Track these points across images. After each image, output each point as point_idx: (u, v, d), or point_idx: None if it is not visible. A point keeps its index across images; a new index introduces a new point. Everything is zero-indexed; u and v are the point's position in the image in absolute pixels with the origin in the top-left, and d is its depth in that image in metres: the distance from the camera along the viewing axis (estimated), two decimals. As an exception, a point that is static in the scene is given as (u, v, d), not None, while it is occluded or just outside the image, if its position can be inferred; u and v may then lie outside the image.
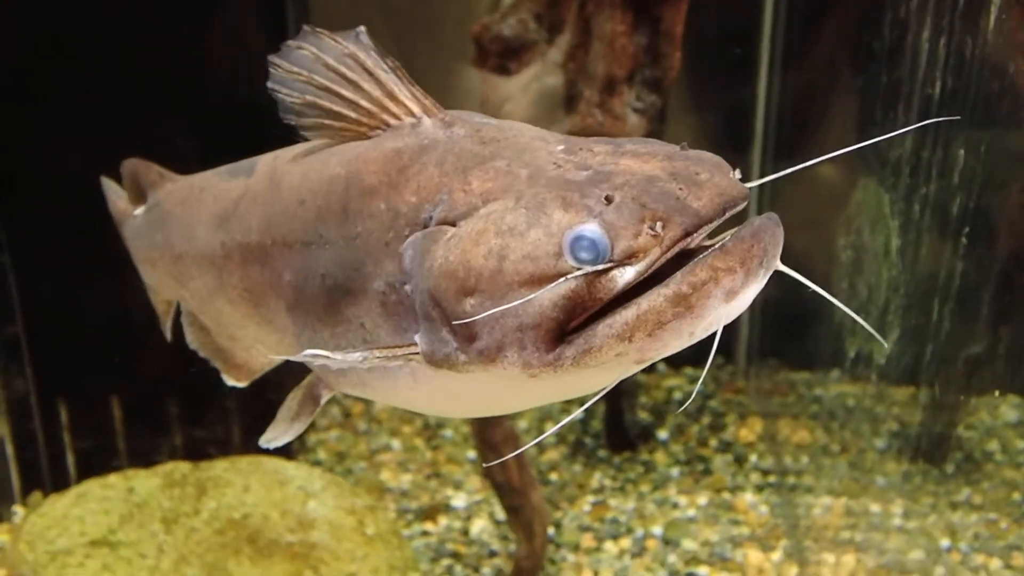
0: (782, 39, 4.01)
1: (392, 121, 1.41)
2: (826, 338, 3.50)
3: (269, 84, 1.45)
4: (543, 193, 1.20)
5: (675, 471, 3.95)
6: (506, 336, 1.19)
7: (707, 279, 1.13)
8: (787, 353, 4.25)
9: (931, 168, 2.43)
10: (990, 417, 3.47)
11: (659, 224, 1.14)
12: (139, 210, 2.16)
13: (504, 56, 3.17)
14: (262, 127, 1.52)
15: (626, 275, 1.15)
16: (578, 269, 1.15)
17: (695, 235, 1.15)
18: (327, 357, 1.33)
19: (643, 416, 4.24)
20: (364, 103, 1.41)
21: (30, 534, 3.07)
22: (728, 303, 1.15)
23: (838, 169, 3.84)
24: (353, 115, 1.42)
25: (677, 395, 4.40)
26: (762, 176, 4.24)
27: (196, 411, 3.77)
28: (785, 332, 4.27)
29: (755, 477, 3.92)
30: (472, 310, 1.20)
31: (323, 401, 1.66)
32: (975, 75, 2.25)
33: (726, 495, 3.82)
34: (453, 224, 1.27)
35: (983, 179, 2.34)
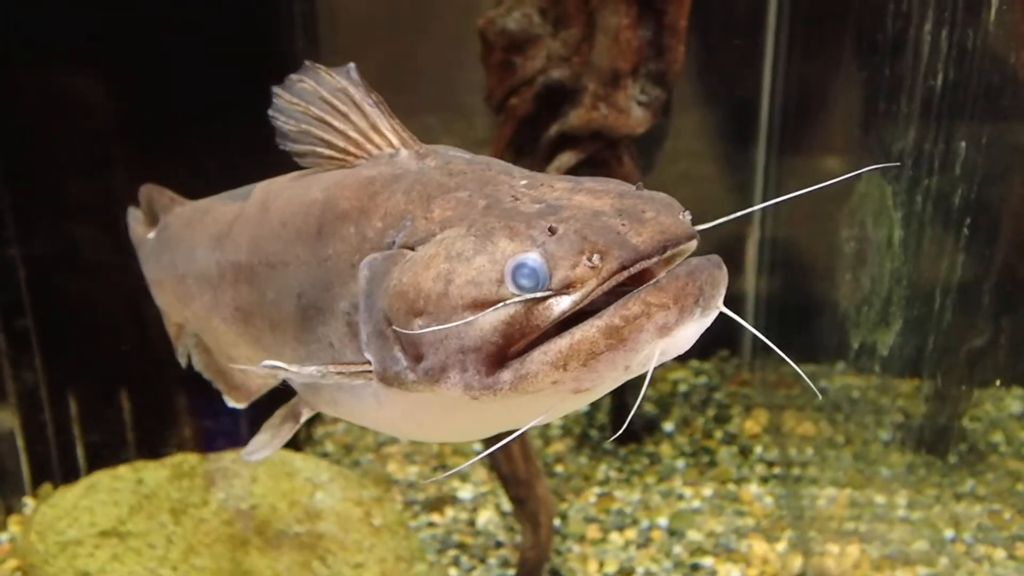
0: (787, 32, 4.02)
1: (374, 151, 1.50)
2: (831, 330, 3.51)
3: (270, 112, 1.55)
4: (493, 222, 1.26)
5: (680, 463, 3.97)
6: (449, 357, 1.24)
7: (639, 313, 1.17)
8: (792, 345, 4.25)
9: (933, 160, 2.44)
10: (994, 409, 3.49)
11: (596, 256, 1.18)
12: (151, 233, 2.26)
13: (509, 50, 3.18)
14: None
15: (562, 304, 1.19)
16: (517, 296, 1.19)
17: (631, 269, 1.19)
18: (285, 369, 1.40)
19: (648, 408, 4.25)
20: (351, 133, 1.50)
21: (41, 525, 3.10)
22: (663, 338, 1.18)
23: (841, 162, 3.85)
24: (341, 144, 1.51)
25: (683, 388, 4.42)
26: (765, 173, 4.19)
27: (204, 403, 3.80)
28: (790, 325, 4.28)
29: (760, 469, 3.94)
30: (419, 331, 1.25)
31: (302, 419, 1.75)
32: (977, 67, 2.26)
33: (731, 486, 3.84)
34: (413, 248, 1.33)
35: (985, 171, 2.35)
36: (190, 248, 1.95)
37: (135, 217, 2.39)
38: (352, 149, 1.51)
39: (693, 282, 1.19)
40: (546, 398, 1.26)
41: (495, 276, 1.21)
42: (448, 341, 1.24)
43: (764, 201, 4.35)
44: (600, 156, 3.28)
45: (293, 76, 1.52)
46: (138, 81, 3.38)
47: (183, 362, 2.32)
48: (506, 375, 1.22)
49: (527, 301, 1.19)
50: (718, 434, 4.14)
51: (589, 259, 1.18)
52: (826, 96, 3.80)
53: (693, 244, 1.26)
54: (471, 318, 1.21)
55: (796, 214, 4.11)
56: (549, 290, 1.19)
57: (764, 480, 3.87)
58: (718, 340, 4.64)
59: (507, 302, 1.20)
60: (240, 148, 2.31)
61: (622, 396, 4.04)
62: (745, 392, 4.39)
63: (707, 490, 3.81)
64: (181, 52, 3.41)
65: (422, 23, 4.10)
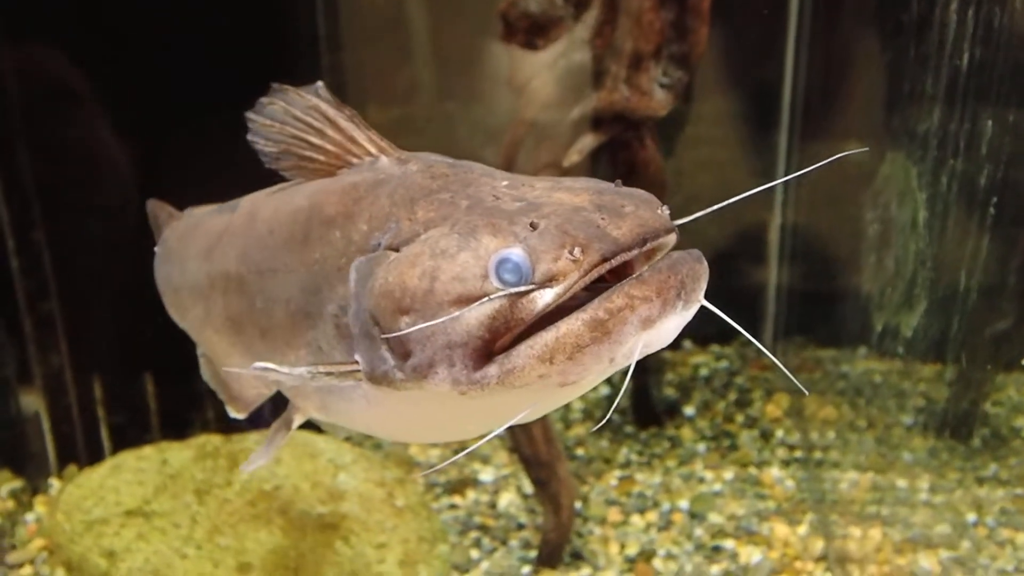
0: (809, 14, 3.99)
1: (354, 160, 1.53)
2: (853, 314, 3.51)
3: (249, 137, 1.60)
4: (476, 220, 1.28)
5: (701, 446, 3.97)
6: (436, 353, 1.27)
7: (623, 306, 1.20)
8: (814, 330, 4.25)
9: (959, 141, 2.43)
10: (1017, 393, 3.47)
11: (578, 250, 1.21)
12: (156, 248, 2.32)
13: (531, 32, 3.18)
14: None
15: (545, 297, 1.22)
16: (502, 290, 1.22)
17: (613, 261, 1.22)
18: (275, 371, 1.44)
19: (669, 392, 4.25)
20: (330, 147, 1.54)
21: (67, 504, 3.13)
22: (646, 331, 1.21)
23: (862, 146, 3.83)
24: (322, 159, 1.55)
25: (703, 372, 4.42)
26: (787, 158, 4.16)
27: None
28: (811, 309, 4.27)
29: (781, 452, 3.93)
30: (406, 328, 1.28)
31: (295, 425, 1.80)
32: (1004, 46, 2.25)
33: (752, 470, 3.84)
34: (398, 250, 1.35)
35: (1012, 151, 2.33)
36: (183, 261, 2.01)
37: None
38: (333, 161, 1.55)
39: (675, 275, 1.22)
40: (533, 392, 1.27)
41: (479, 271, 1.23)
42: (435, 337, 1.26)
43: (786, 185, 4.34)
44: (622, 138, 3.28)
45: (263, 99, 1.57)
46: (161, 66, 3.39)
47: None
48: (493, 369, 1.24)
49: (511, 295, 1.22)
50: (739, 418, 4.13)
51: (571, 252, 1.21)
52: (849, 79, 3.78)
53: (672, 238, 1.29)
54: (457, 313, 1.23)
55: (817, 199, 4.10)
56: (532, 284, 1.21)
57: (785, 464, 3.87)
58: (739, 324, 4.62)
59: (491, 296, 1.22)
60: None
61: (643, 380, 4.05)
62: (766, 376, 4.38)
63: (728, 473, 3.81)
64: (205, 37, 3.43)
65: (443, 7, 4.10)
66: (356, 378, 1.42)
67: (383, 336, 1.32)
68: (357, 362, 1.39)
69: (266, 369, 1.44)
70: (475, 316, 1.23)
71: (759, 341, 4.53)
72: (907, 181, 2.68)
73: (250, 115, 1.59)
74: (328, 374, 1.44)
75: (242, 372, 1.66)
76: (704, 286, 1.26)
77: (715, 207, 1.40)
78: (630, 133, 3.31)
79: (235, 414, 2.05)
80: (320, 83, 1.54)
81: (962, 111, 2.41)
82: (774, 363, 4.47)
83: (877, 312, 2.92)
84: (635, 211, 1.26)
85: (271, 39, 3.59)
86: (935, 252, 2.58)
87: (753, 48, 4.31)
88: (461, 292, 1.24)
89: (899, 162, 2.75)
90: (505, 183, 1.38)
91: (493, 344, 1.24)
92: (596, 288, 1.23)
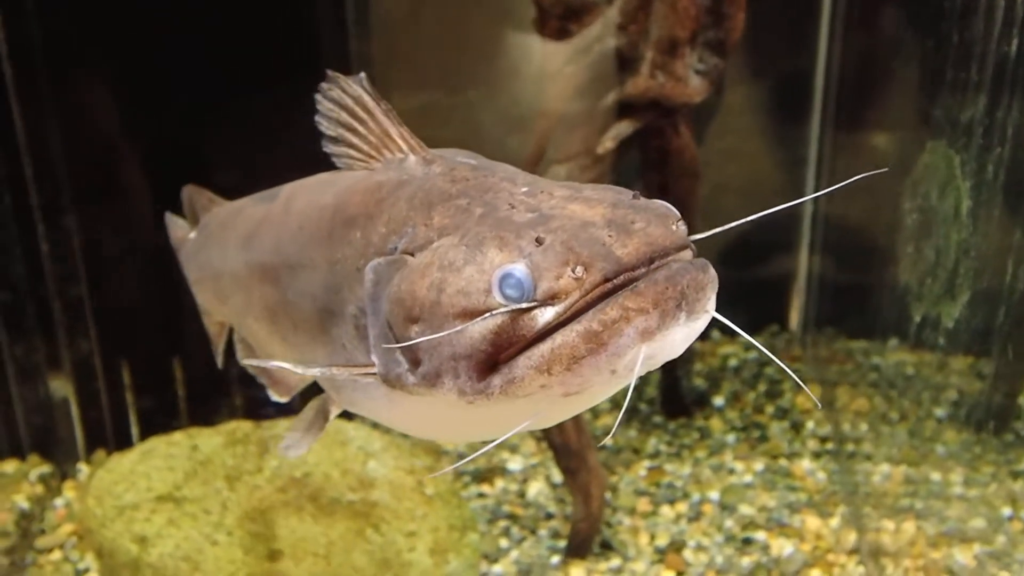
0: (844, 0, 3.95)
1: (387, 155, 1.54)
2: (888, 305, 3.47)
3: (316, 118, 1.60)
4: (484, 232, 1.29)
5: (731, 437, 3.94)
6: (443, 363, 1.28)
7: (617, 318, 1.18)
8: (844, 322, 4.21)
9: (1006, 128, 2.39)
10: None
11: (580, 268, 1.20)
12: (192, 234, 2.35)
13: (565, 18, 3.15)
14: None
15: (546, 315, 1.21)
16: (504, 306, 1.22)
17: (615, 281, 1.20)
18: (291, 369, 1.48)
19: (698, 383, 4.23)
20: (371, 138, 1.56)
21: (98, 489, 3.13)
22: (648, 342, 1.19)
23: (899, 136, 3.78)
24: (364, 147, 1.56)
25: (733, 362, 4.38)
26: (819, 149, 4.12)
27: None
28: (842, 300, 4.23)
29: (812, 444, 3.90)
30: (415, 336, 1.30)
31: (332, 416, 1.82)
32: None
33: (783, 461, 3.81)
34: (413, 255, 1.37)
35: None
36: (224, 248, 2.03)
37: (173, 222, 2.49)
38: (372, 154, 1.56)
39: (673, 286, 1.20)
40: (538, 401, 1.28)
41: (483, 286, 1.24)
42: (441, 348, 1.28)
43: (818, 177, 4.30)
44: (657, 125, 3.25)
45: (324, 84, 1.58)
46: (190, 51, 3.39)
47: (219, 362, 2.42)
48: (496, 380, 1.25)
49: (513, 311, 1.22)
50: (769, 409, 4.10)
51: (573, 271, 1.20)
52: (886, 66, 3.74)
53: (686, 255, 1.26)
54: (461, 327, 1.25)
55: (851, 189, 4.05)
56: (535, 300, 1.21)
57: (816, 455, 3.84)
58: (768, 315, 4.60)
59: (494, 312, 1.23)
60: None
61: (672, 370, 4.03)
62: (796, 367, 4.34)
63: (758, 465, 3.78)
64: (233, 22, 3.42)
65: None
66: (372, 380, 1.44)
67: (391, 345, 1.35)
68: (373, 364, 1.41)
69: (282, 367, 1.48)
70: (478, 330, 1.24)
71: (788, 332, 4.50)
72: (949, 170, 2.64)
73: (319, 96, 1.59)
74: (343, 374, 1.47)
75: (263, 364, 1.70)
76: (711, 296, 1.24)
77: (735, 223, 1.39)
78: (664, 120, 3.28)
79: (277, 398, 2.05)
80: (363, 74, 1.56)
81: (1010, 98, 2.37)
82: (803, 354, 4.44)
83: (915, 303, 2.88)
84: (644, 228, 1.24)
85: (300, 25, 3.58)
86: (979, 242, 2.54)
87: (785, 35, 4.26)
88: (466, 306, 1.25)
89: (940, 151, 2.71)
90: (524, 190, 1.37)
91: (497, 356, 1.25)
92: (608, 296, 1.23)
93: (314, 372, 1.51)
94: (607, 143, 3.11)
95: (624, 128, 3.13)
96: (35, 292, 3.64)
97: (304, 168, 1.80)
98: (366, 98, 1.54)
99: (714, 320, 1.28)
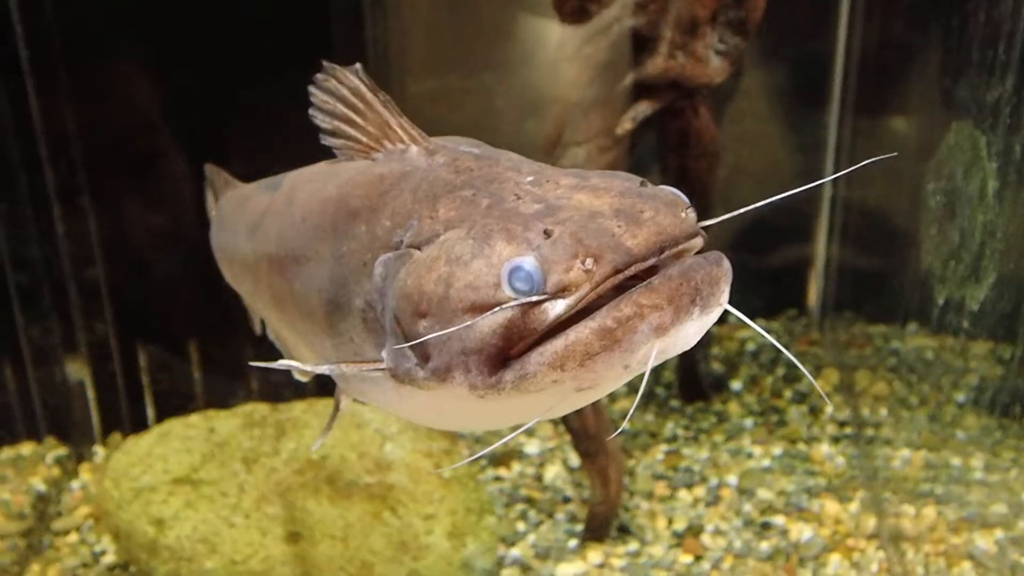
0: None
1: (388, 146, 1.53)
2: (909, 289, 3.43)
3: (311, 112, 1.59)
4: (492, 224, 1.28)
5: (749, 421, 3.92)
6: (453, 358, 1.27)
7: (632, 315, 1.17)
8: (863, 306, 4.18)
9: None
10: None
11: (590, 260, 1.19)
12: (213, 212, 2.39)
13: (583, -1, 3.12)
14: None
15: (557, 308, 1.20)
16: (514, 299, 1.21)
17: (625, 272, 1.20)
18: (299, 367, 1.46)
19: (716, 367, 4.20)
20: (370, 128, 1.55)
21: (115, 471, 3.13)
22: (661, 338, 1.19)
23: (920, 118, 3.74)
24: (363, 139, 1.56)
25: (751, 346, 4.36)
26: (838, 132, 4.07)
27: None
28: (861, 285, 4.20)
29: (831, 428, 3.87)
30: (424, 331, 1.29)
31: (342, 406, 1.85)
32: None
33: (801, 446, 3.78)
34: (419, 248, 1.35)
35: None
36: (235, 234, 2.05)
37: (209, 194, 2.52)
38: (372, 145, 1.55)
39: (688, 282, 1.19)
40: (550, 395, 1.27)
41: (492, 280, 1.23)
42: (451, 343, 1.26)
43: (837, 161, 4.26)
44: (676, 106, 3.22)
45: (319, 76, 1.57)
46: (204, 32, 3.37)
47: (257, 329, 2.40)
48: (508, 375, 1.24)
49: (524, 305, 1.21)
50: (787, 393, 4.07)
51: (583, 263, 1.19)
52: (908, 48, 3.69)
53: (697, 242, 1.26)
54: (471, 321, 1.23)
55: (871, 172, 4.01)
56: (544, 294, 1.20)
57: (835, 440, 3.81)
58: (786, 299, 4.57)
59: (504, 306, 1.22)
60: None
61: (690, 354, 4.00)
62: (815, 352, 4.31)
63: (777, 449, 3.75)
64: (249, 4, 3.40)
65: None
66: (381, 375, 1.43)
67: (402, 341, 1.34)
68: (382, 359, 1.41)
69: (290, 366, 1.46)
70: (488, 324, 1.23)
71: (807, 316, 4.47)
72: (975, 151, 2.60)
73: (312, 89, 1.58)
74: (351, 370, 1.47)
75: (271, 366, 1.65)
76: (725, 289, 1.23)
77: (743, 209, 1.38)
78: (684, 101, 3.25)
79: (299, 378, 2.05)
80: (359, 65, 1.55)
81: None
82: (821, 339, 4.41)
83: (939, 285, 2.85)
84: (654, 217, 1.23)
85: (316, 8, 3.56)
86: (1005, 223, 2.50)
87: (803, 16, 4.22)
88: (474, 300, 1.24)
89: (966, 131, 2.68)
90: (530, 179, 1.36)
91: (508, 350, 1.24)
92: (625, 287, 1.22)
93: (323, 369, 1.48)
94: (626, 124, 3.08)
95: (643, 109, 3.10)
96: (51, 274, 3.63)
97: (317, 154, 1.79)
98: (363, 89, 1.53)
99: (731, 304, 1.27)
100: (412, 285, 1.31)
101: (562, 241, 1.20)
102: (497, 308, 1.22)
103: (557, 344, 1.20)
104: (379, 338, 1.44)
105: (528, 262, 1.20)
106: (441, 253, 1.30)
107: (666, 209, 1.24)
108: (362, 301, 1.47)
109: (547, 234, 1.22)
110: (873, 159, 1.40)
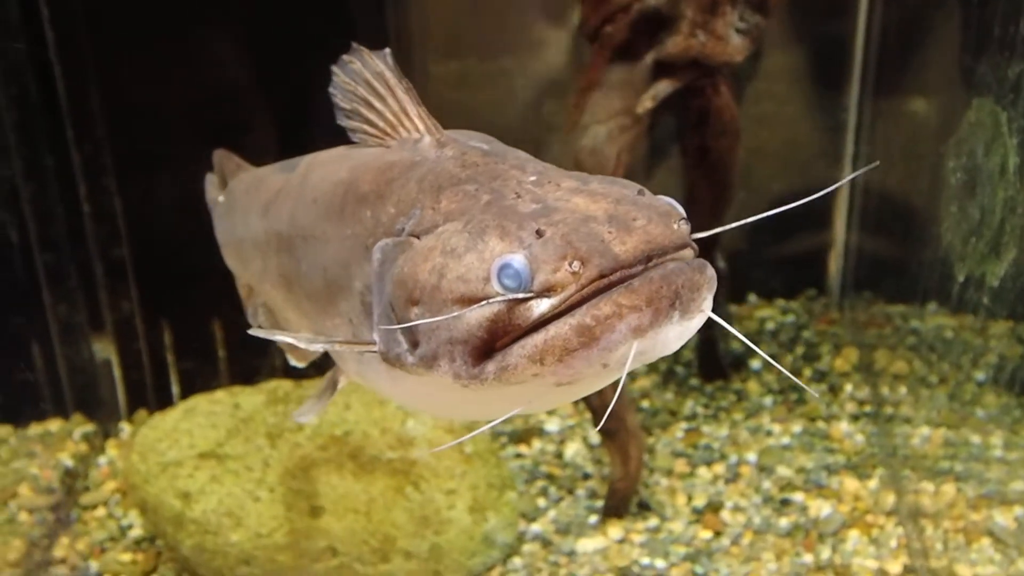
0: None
1: (404, 134, 1.57)
2: (926, 268, 3.44)
3: (330, 89, 1.62)
4: (488, 220, 1.31)
5: (768, 400, 3.94)
6: (440, 347, 1.31)
7: (610, 314, 1.20)
8: (882, 286, 4.18)
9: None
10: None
11: (577, 263, 1.22)
12: (221, 197, 2.40)
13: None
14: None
15: (541, 306, 1.23)
16: (501, 295, 1.24)
17: (611, 277, 1.22)
18: (295, 342, 1.51)
19: (735, 346, 4.21)
20: (388, 115, 1.58)
21: (142, 446, 3.17)
22: (640, 339, 1.20)
23: (940, 98, 3.74)
24: (381, 124, 1.59)
25: (770, 325, 4.37)
26: (859, 114, 4.05)
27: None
28: (880, 265, 4.20)
29: (850, 407, 3.88)
30: (415, 318, 1.33)
31: (340, 386, 1.90)
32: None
33: (821, 424, 3.80)
34: (418, 237, 1.39)
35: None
36: (246, 215, 2.07)
37: (211, 181, 2.53)
38: (389, 131, 1.59)
39: (668, 285, 1.21)
40: (531, 389, 1.31)
41: (482, 274, 1.26)
42: (439, 331, 1.30)
43: (857, 142, 4.26)
44: (697, 85, 3.23)
45: (345, 57, 1.59)
46: (227, 16, 3.40)
47: (253, 322, 2.42)
48: (491, 366, 1.27)
49: (510, 301, 1.24)
50: (807, 372, 4.09)
51: (570, 265, 1.22)
52: (929, 26, 3.68)
53: (687, 253, 1.28)
54: (459, 312, 1.27)
55: (889, 152, 4.01)
56: (531, 292, 1.23)
57: (855, 418, 3.83)
58: (804, 279, 4.57)
59: (491, 300, 1.25)
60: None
61: (710, 333, 4.02)
62: (834, 331, 4.32)
63: (796, 427, 3.77)
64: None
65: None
66: (372, 356, 1.47)
67: (391, 326, 1.38)
68: (373, 342, 1.44)
69: (287, 340, 1.51)
70: (475, 317, 1.26)
71: (826, 296, 4.47)
72: (996, 127, 2.61)
73: (335, 69, 1.61)
74: (345, 349, 1.52)
75: (269, 336, 1.68)
76: (707, 296, 1.26)
77: (741, 222, 1.41)
78: (705, 80, 3.25)
79: (295, 363, 2.09)
80: (387, 50, 1.58)
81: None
82: (841, 318, 4.42)
83: (959, 263, 2.86)
84: (645, 226, 1.25)
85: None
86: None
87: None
88: (464, 292, 1.27)
89: (987, 108, 2.68)
90: (532, 178, 1.38)
91: (493, 343, 1.27)
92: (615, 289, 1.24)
93: (318, 346, 1.54)
94: (647, 102, 3.09)
95: (664, 88, 3.11)
96: (77, 253, 3.68)
97: (336, 140, 1.82)
98: (388, 74, 1.56)
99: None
100: (408, 272, 1.35)
101: (553, 242, 1.23)
102: (484, 302, 1.25)
103: (537, 338, 1.23)
104: (374, 322, 1.47)
105: (517, 260, 1.24)
106: (438, 244, 1.33)
107: (658, 219, 1.27)
108: (362, 284, 1.51)
109: (539, 234, 1.25)
110: (871, 165, 1.41)
